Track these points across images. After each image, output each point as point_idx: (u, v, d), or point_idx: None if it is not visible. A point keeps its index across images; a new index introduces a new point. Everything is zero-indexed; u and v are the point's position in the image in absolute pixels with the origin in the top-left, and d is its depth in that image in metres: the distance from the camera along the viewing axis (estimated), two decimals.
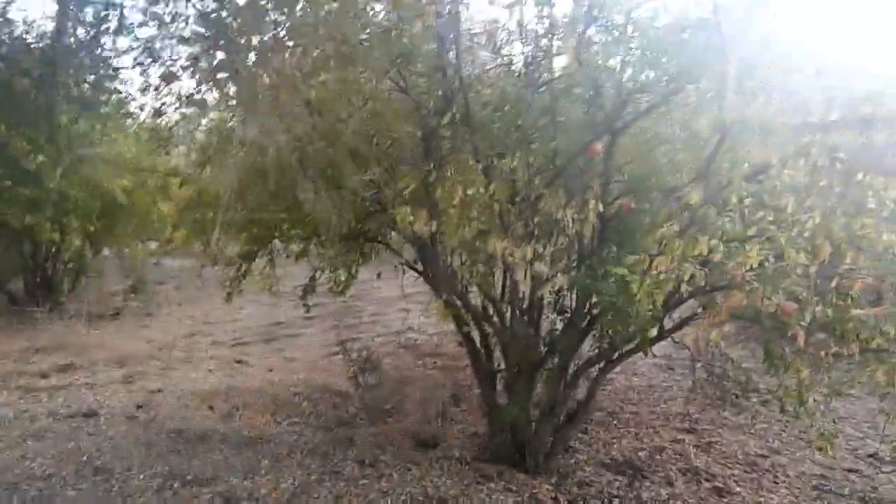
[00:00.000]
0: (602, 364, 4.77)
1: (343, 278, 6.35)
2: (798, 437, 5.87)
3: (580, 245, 4.69)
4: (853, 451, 5.73)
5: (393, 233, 5.54)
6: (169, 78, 3.95)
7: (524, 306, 4.83)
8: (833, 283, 3.27)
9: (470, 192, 3.48)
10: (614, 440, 5.54)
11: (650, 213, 3.84)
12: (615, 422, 6.06)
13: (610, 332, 4.19)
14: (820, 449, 3.78)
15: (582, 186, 4.26)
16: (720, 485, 4.79)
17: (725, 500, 4.58)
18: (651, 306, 3.27)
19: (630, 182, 4.52)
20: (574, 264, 4.69)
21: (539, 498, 4.33)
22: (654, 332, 4.42)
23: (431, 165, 4.13)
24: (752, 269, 3.14)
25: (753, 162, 3.66)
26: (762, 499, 4.63)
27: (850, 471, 5.29)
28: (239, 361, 7.40)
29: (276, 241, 5.76)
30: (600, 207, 3.69)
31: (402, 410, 5.77)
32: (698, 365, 7.12)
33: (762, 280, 3.05)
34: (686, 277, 3.04)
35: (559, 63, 4.43)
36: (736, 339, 8.26)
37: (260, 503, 4.04)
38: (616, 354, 4.62)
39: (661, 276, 3.15)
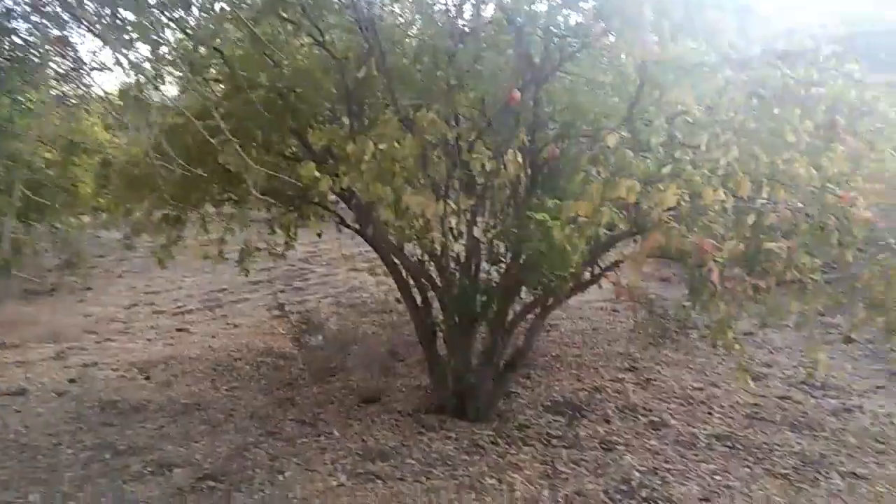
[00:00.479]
0: (538, 310, 4.82)
1: (282, 241, 6.25)
2: (735, 369, 6.07)
3: (514, 193, 4.68)
4: (786, 378, 5.98)
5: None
6: (62, 42, 3.71)
7: (462, 259, 4.83)
8: (750, 219, 3.32)
9: (382, 146, 3.38)
10: (556, 383, 5.65)
11: (573, 159, 3.83)
12: (558, 365, 6.17)
13: (537, 279, 4.22)
14: (747, 381, 3.94)
15: (511, 136, 4.23)
16: (656, 419, 4.95)
17: (660, 432, 4.73)
18: (575, 251, 3.28)
19: (559, 128, 4.50)
20: (508, 213, 4.69)
21: (479, 443, 4.40)
22: (586, 276, 4.49)
23: (349, 120, 4.02)
24: (670, 209, 3.17)
25: (674, 102, 3.66)
26: (695, 429, 4.79)
27: (782, 398, 5.52)
28: (180, 330, 7.26)
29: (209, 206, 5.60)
30: (519, 158, 3.63)
31: (345, 369, 5.77)
32: (640, 306, 7.31)
33: (679, 219, 3.08)
34: (603, 221, 3.05)
35: (484, 11, 4.35)
36: (679, 279, 8.48)
37: (194, 469, 4.01)
38: (550, 300, 4.66)
39: (582, 221, 3.15)
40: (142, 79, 4.77)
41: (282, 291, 8.87)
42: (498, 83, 4.21)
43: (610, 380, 5.73)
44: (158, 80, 4.84)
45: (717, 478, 4.11)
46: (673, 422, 4.91)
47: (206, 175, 4.81)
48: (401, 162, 3.66)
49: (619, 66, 4.34)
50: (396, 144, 3.62)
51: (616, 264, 4.38)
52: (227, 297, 8.78)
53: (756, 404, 5.34)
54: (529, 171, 4.36)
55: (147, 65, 4.85)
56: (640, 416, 4.98)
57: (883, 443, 4.71)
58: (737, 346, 3.39)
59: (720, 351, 6.20)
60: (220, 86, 4.96)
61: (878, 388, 5.68)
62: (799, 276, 3.25)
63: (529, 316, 4.93)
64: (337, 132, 3.92)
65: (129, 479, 3.92)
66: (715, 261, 2.99)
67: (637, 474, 4.07)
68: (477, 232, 4.19)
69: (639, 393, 5.45)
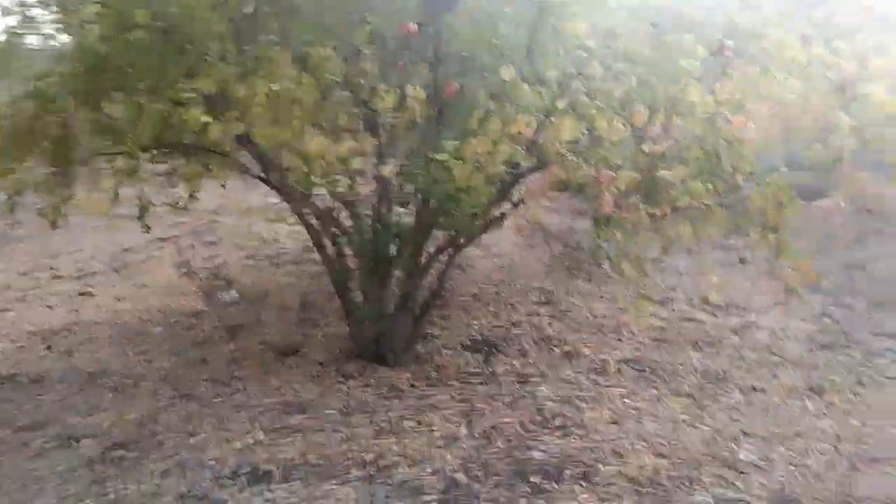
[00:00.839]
0: (451, 250, 4.81)
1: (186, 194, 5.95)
2: (643, 295, 6.30)
3: (423, 133, 4.58)
4: (690, 301, 6.25)
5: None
6: None
7: (373, 203, 4.74)
8: (646, 147, 3.36)
9: (275, 87, 3.21)
10: (474, 321, 5.69)
11: (472, 94, 3.76)
12: (476, 304, 6.21)
13: (448, 220, 4.19)
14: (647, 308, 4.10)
15: (411, 71, 4.11)
16: (570, 349, 5.09)
17: (574, 362, 4.89)
18: (476, 190, 3.26)
19: (461, 64, 4.40)
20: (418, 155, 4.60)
21: (398, 387, 4.42)
22: (495, 213, 4.49)
23: (241, 61, 3.80)
24: (569, 142, 3.17)
25: (572, 33, 3.63)
26: (606, 356, 4.96)
27: (687, 320, 5.80)
28: (83, 294, 6.86)
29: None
30: (422, 93, 3.53)
31: (261, 323, 5.63)
32: (553, 239, 7.45)
33: (576, 152, 3.09)
34: (500, 159, 3.02)
35: None
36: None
37: (102, 438, 3.86)
38: (462, 240, 4.66)
39: (482, 159, 3.12)
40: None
41: (192, 247, 8.50)
42: (395, 16, 4.05)
43: (526, 314, 5.83)
44: (28, 22, 4.43)
45: (627, 401, 4.30)
46: (586, 350, 5.07)
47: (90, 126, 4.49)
48: (298, 103, 3.50)
49: None
50: (292, 85, 3.45)
51: (523, 200, 4.40)
52: (133, 257, 8.34)
53: (662, 328, 5.58)
54: (435, 109, 4.26)
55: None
56: (554, 348, 5.11)
57: (778, 355, 5.05)
58: (636, 274, 3.49)
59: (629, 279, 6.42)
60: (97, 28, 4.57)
61: (775, 304, 6.01)
62: (692, 202, 3.34)
63: (443, 256, 4.92)
64: (226, 75, 3.68)
65: (32, 455, 3.74)
66: (610, 191, 3.02)
67: (551, 404, 4.21)
68: (387, 173, 4.09)
69: (554, 325, 5.58)
